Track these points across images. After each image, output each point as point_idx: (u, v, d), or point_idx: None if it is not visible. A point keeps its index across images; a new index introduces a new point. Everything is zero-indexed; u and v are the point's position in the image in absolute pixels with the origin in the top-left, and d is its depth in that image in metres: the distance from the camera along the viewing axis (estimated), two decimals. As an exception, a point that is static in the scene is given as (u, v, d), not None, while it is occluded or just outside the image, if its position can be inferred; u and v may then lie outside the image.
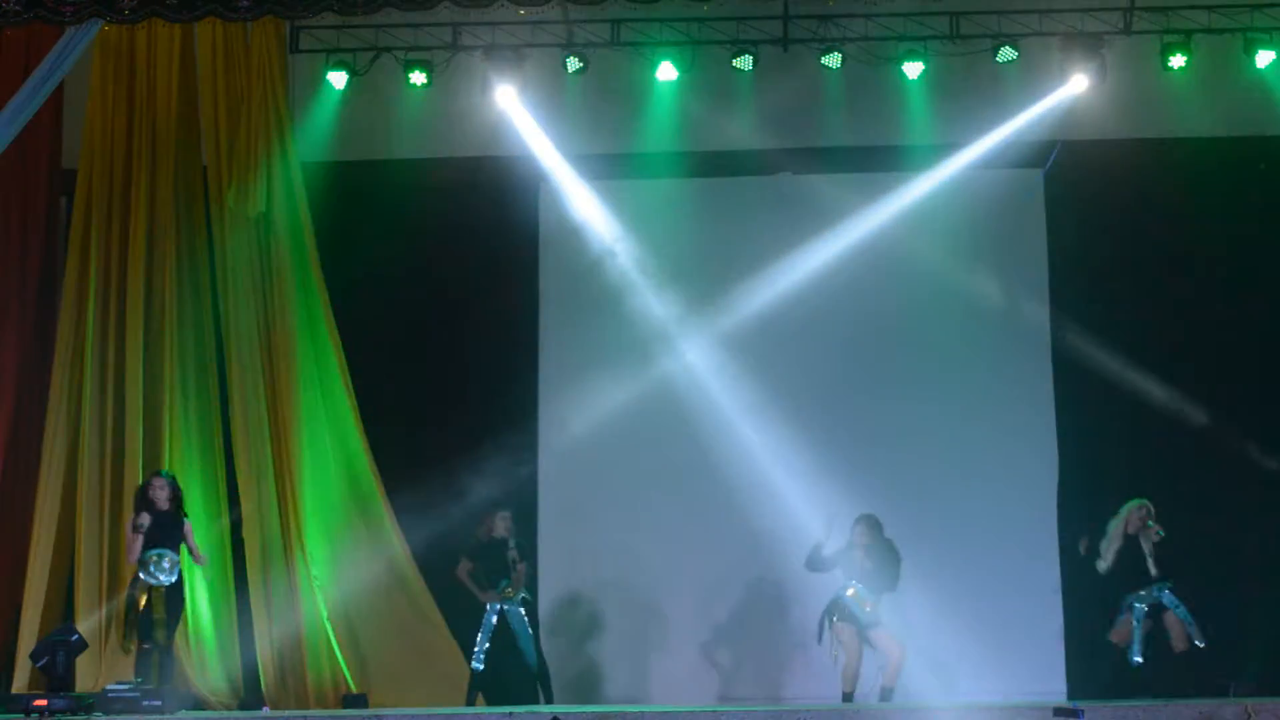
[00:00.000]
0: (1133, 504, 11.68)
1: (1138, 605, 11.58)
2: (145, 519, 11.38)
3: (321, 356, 12.86)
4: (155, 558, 11.34)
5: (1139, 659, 11.50)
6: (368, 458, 12.79)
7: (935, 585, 11.80)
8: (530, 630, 12.02)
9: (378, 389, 12.98)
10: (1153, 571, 11.57)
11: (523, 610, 12.02)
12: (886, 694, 11.42)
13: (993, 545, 12.73)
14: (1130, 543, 11.62)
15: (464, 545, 12.18)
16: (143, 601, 11.35)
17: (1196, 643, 11.50)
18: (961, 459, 12.87)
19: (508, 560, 11.94)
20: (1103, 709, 10.18)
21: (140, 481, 11.98)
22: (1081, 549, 12.07)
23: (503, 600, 11.93)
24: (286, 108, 12.97)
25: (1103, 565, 11.70)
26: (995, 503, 12.83)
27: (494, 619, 11.94)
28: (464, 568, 12.10)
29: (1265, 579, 12.42)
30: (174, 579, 11.41)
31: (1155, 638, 11.62)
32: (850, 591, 11.51)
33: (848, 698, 11.55)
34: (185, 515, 11.59)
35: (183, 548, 11.52)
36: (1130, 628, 11.59)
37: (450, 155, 13.39)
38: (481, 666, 11.89)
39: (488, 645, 11.91)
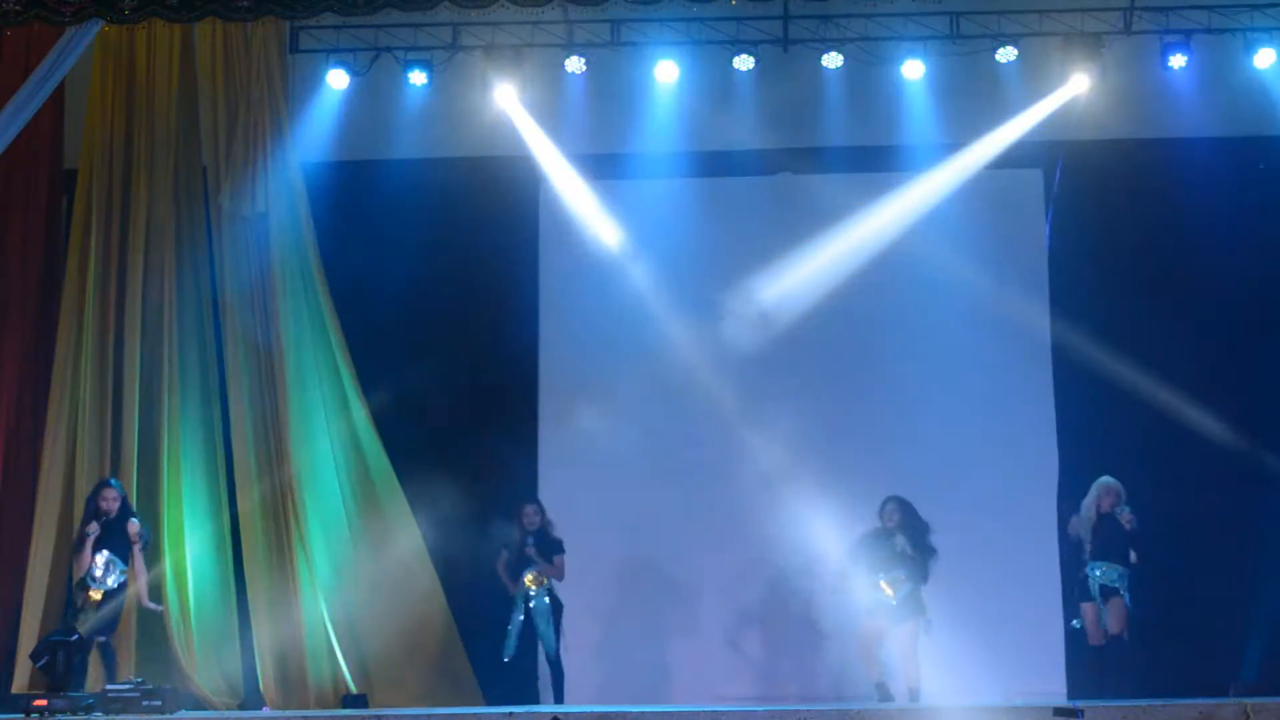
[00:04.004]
0: (1101, 481, 11.70)
1: (1092, 581, 11.58)
2: (94, 528, 11.51)
3: (323, 356, 12.86)
4: (99, 560, 11.45)
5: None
6: (382, 454, 12.79)
7: (935, 585, 11.79)
8: (551, 623, 12.03)
9: (377, 388, 12.96)
10: (1132, 558, 11.59)
11: (548, 603, 12.04)
12: (915, 695, 11.42)
13: (993, 545, 12.72)
14: (1105, 522, 11.61)
15: (502, 539, 12.29)
16: (79, 601, 11.50)
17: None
18: (961, 459, 12.86)
19: (523, 549, 12.07)
20: (1103, 709, 10.18)
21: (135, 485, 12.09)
22: (1071, 531, 12.12)
23: (527, 591, 11.99)
24: (286, 108, 12.98)
25: (1085, 553, 11.72)
26: (995, 503, 12.83)
27: (520, 616, 12.00)
28: (500, 560, 12.20)
29: (1265, 579, 12.40)
30: (120, 581, 11.48)
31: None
32: (884, 586, 11.51)
33: (883, 689, 11.51)
34: (133, 515, 11.74)
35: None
36: (1095, 611, 11.63)
37: (450, 155, 13.39)
38: (507, 659, 11.99)
39: (515, 642, 11.98)
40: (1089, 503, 11.79)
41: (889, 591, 11.51)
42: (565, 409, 13.18)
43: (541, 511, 12.22)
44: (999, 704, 10.68)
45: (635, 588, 13.07)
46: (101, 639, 11.56)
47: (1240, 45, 12.79)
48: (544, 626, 12.02)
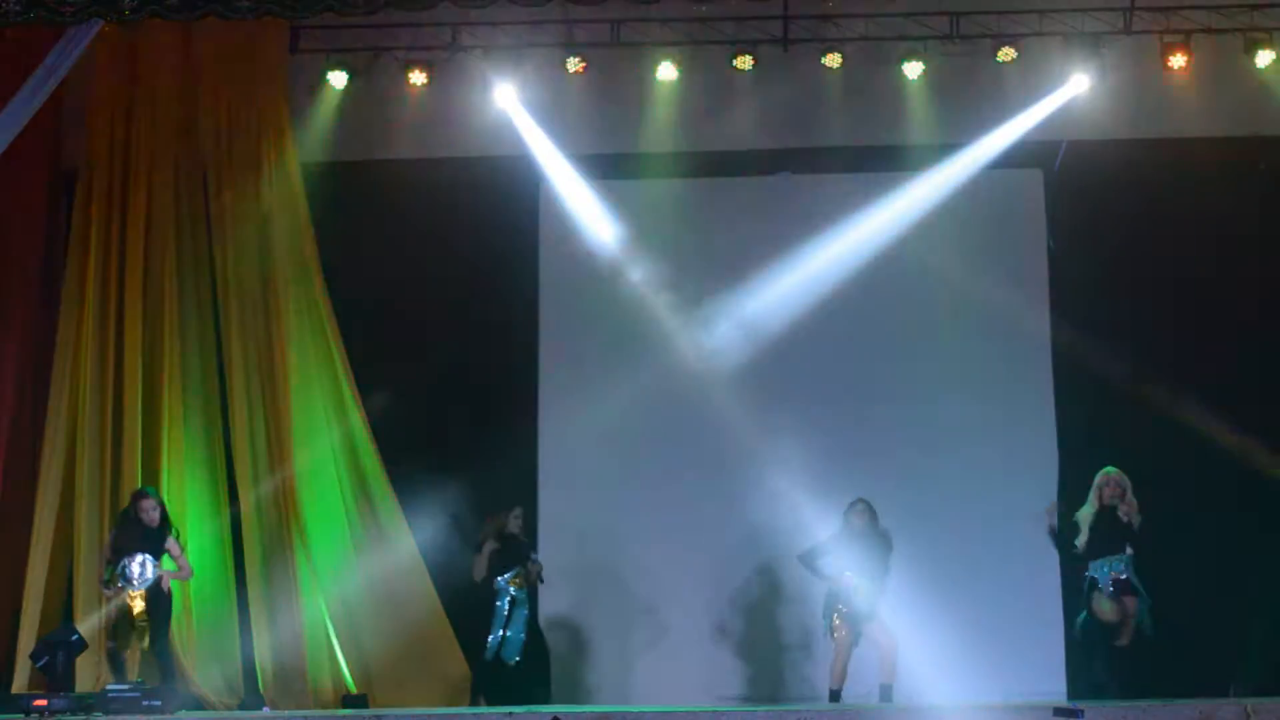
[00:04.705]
0: (1105, 472, 11.60)
1: (1103, 577, 11.52)
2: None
3: (322, 356, 12.88)
4: (126, 562, 11.34)
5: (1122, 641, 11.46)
6: (375, 456, 12.81)
7: (935, 585, 11.79)
8: (525, 626, 12.03)
9: (377, 389, 12.98)
10: (1128, 550, 11.52)
11: (526, 610, 12.07)
12: (886, 691, 11.42)
13: (993, 545, 12.72)
14: (1104, 514, 11.58)
15: (484, 533, 12.21)
16: (134, 606, 11.39)
17: (1145, 633, 11.47)
18: (961, 459, 12.85)
19: (522, 555, 12.04)
20: (1103, 709, 10.17)
21: (138, 486, 12.03)
22: (1048, 519, 12.01)
23: (513, 589, 12.00)
24: (286, 108, 13.00)
25: (1080, 541, 11.63)
26: (995, 502, 12.81)
27: (505, 608, 11.99)
28: (483, 556, 12.12)
29: (1266, 579, 12.41)
30: (149, 580, 11.37)
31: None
32: (849, 580, 11.52)
33: (835, 695, 11.54)
34: (174, 531, 11.54)
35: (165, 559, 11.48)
36: (1105, 606, 11.52)
37: (450, 155, 13.39)
38: (490, 658, 11.94)
39: (503, 633, 11.97)
40: (1091, 495, 11.69)
41: (856, 588, 11.50)
42: (565, 409, 13.18)
43: (523, 517, 12.27)
44: (999, 704, 10.67)
45: (637, 586, 13.05)
46: (157, 645, 11.53)
47: (1240, 45, 12.80)
48: (513, 633, 12.01)
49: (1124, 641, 11.44)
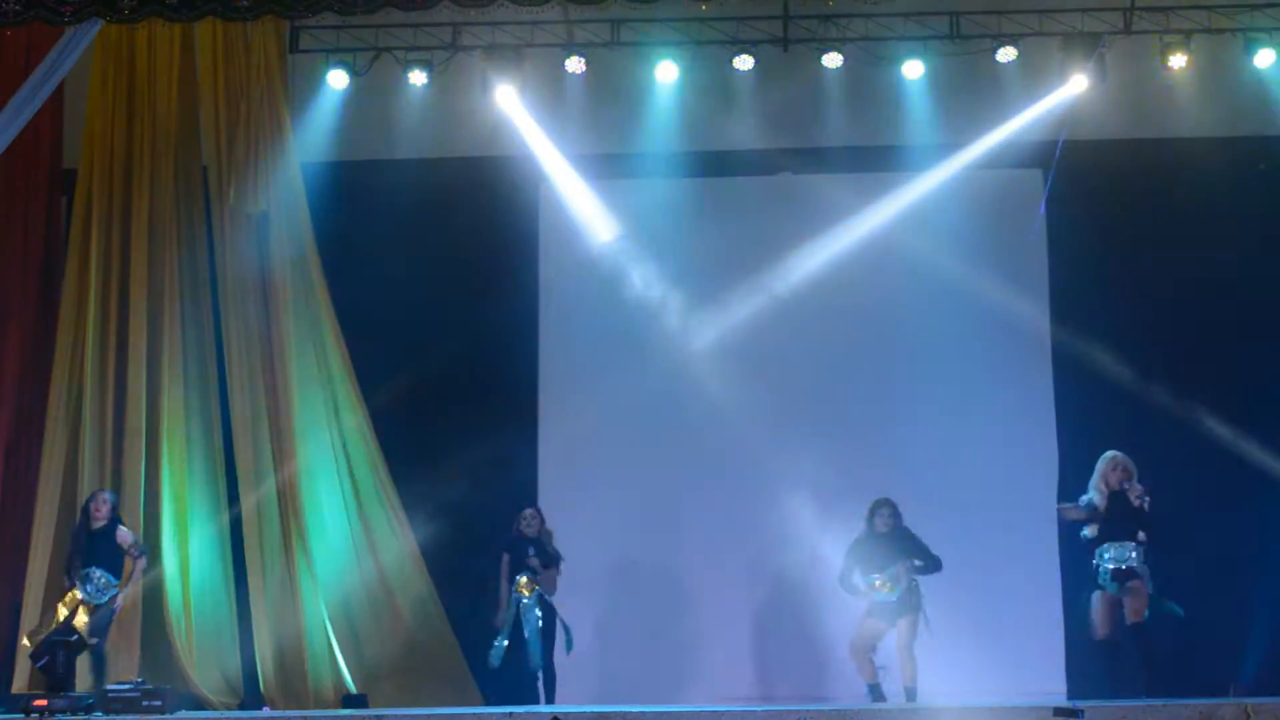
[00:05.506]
0: (1109, 456, 11.53)
1: (1103, 569, 11.46)
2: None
3: (322, 356, 12.88)
4: (86, 576, 11.38)
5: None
6: (375, 456, 12.81)
7: (935, 584, 11.77)
8: (539, 631, 11.95)
9: (377, 389, 12.98)
10: (1140, 537, 11.45)
11: (538, 611, 11.97)
12: (911, 693, 11.42)
13: (992, 545, 12.72)
14: (1114, 500, 11.49)
15: (501, 540, 12.21)
16: (62, 614, 11.41)
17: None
18: (961, 459, 12.86)
19: (525, 559, 12.00)
20: (1103, 709, 10.17)
21: (140, 485, 12.05)
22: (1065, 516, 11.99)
23: (520, 597, 11.95)
24: (286, 107, 13.00)
25: (1089, 532, 11.60)
26: (995, 503, 12.83)
27: (511, 616, 11.93)
28: (504, 563, 12.09)
29: (1265, 578, 12.41)
30: (101, 599, 11.41)
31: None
32: (880, 585, 11.50)
33: (875, 691, 11.52)
34: (121, 523, 11.59)
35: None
36: (1107, 601, 11.41)
37: (450, 155, 13.40)
38: (506, 640, 11.90)
39: (505, 642, 11.91)
40: (1095, 480, 11.60)
41: (886, 588, 11.48)
42: (565, 409, 13.19)
43: (540, 517, 12.20)
44: (999, 704, 10.67)
45: (634, 587, 13.06)
46: (94, 640, 11.52)
47: (1240, 45, 12.81)
48: (530, 635, 11.93)
49: (1105, 634, 11.41)
